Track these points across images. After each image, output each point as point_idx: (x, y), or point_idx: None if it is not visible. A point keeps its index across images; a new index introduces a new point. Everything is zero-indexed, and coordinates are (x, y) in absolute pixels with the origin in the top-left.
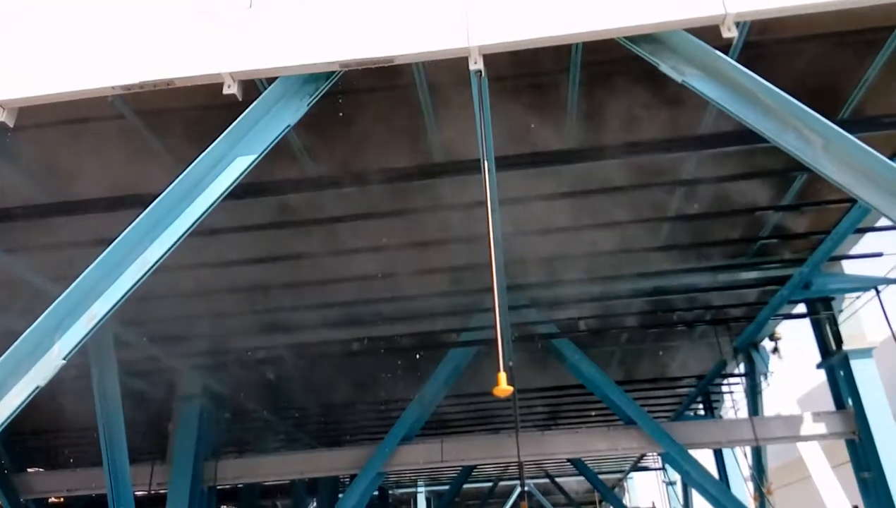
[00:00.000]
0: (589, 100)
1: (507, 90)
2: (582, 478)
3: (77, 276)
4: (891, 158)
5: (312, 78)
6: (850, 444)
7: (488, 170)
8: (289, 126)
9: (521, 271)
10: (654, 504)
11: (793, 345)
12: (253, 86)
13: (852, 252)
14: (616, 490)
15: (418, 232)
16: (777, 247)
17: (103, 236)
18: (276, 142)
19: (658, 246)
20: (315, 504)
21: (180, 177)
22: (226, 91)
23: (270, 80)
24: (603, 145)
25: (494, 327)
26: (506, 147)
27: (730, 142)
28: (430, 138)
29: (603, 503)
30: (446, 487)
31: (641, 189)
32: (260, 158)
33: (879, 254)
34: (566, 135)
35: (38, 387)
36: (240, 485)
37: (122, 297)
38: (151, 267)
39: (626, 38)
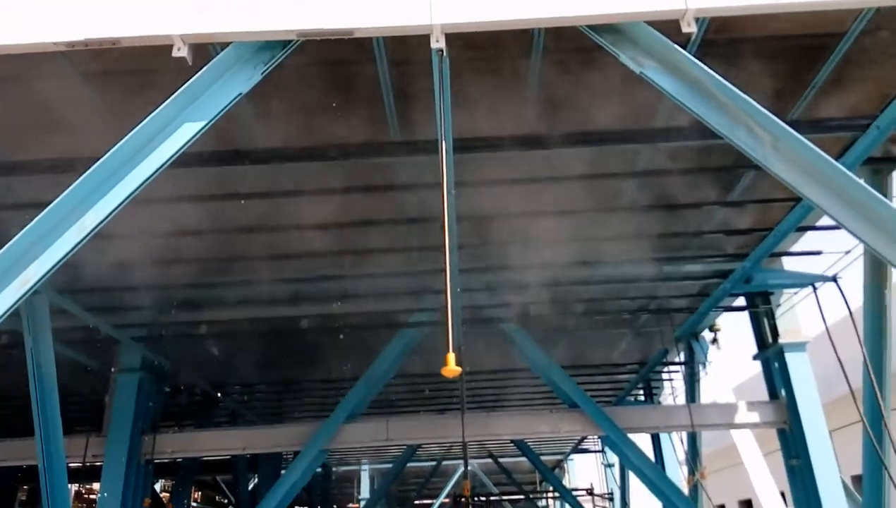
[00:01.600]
0: (548, 87)
1: (468, 73)
2: (524, 459)
3: (11, 238)
4: (836, 159)
5: (268, 46)
6: (781, 433)
7: (446, 151)
8: (241, 94)
9: (473, 255)
10: (592, 485)
11: (731, 337)
12: (204, 51)
13: (793, 249)
14: (556, 470)
15: (371, 210)
16: (721, 241)
17: (42, 199)
18: (226, 110)
19: (608, 235)
20: (256, 480)
21: (124, 140)
22: (175, 54)
23: (224, 46)
24: (560, 133)
25: (445, 308)
26: (464, 129)
27: (682, 137)
28: (388, 115)
29: (543, 483)
30: (390, 465)
31: (595, 179)
32: (209, 126)
33: (819, 253)
34: (524, 121)
35: None
36: (179, 459)
37: (59, 262)
38: (90, 231)
39: (587, 26)
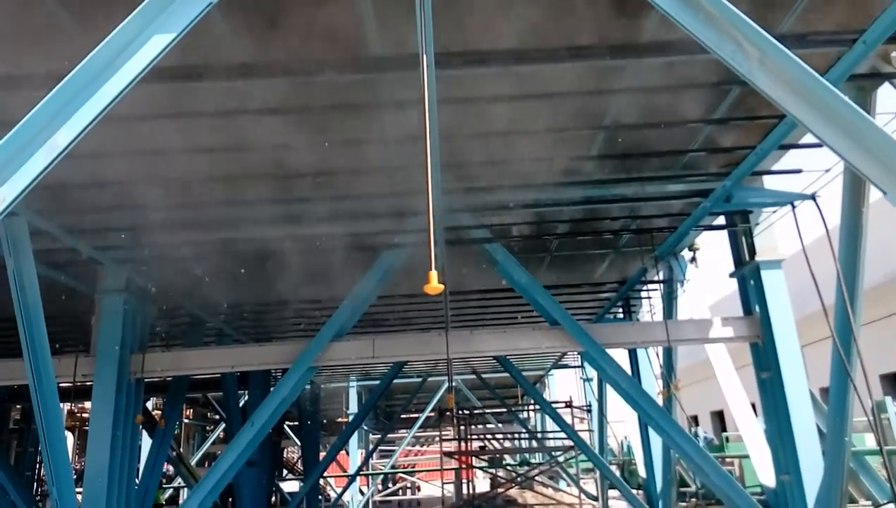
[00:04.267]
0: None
1: None
2: (506, 375)
3: None
4: (822, 75)
5: None
6: (754, 347)
7: (427, 66)
8: (211, 3)
9: (456, 174)
10: (571, 398)
11: (709, 256)
12: None
13: (774, 168)
14: (537, 385)
15: (353, 129)
16: (704, 160)
17: (8, 118)
18: (197, 21)
19: (591, 155)
20: (247, 397)
21: (91, 54)
22: None
23: None
24: (546, 48)
25: (427, 227)
26: (447, 43)
27: (669, 51)
28: (367, 29)
29: (525, 397)
30: (377, 382)
31: (580, 96)
32: (179, 39)
33: (799, 171)
34: (509, 34)
35: None
36: (169, 378)
37: (32, 182)
38: (62, 151)
39: None
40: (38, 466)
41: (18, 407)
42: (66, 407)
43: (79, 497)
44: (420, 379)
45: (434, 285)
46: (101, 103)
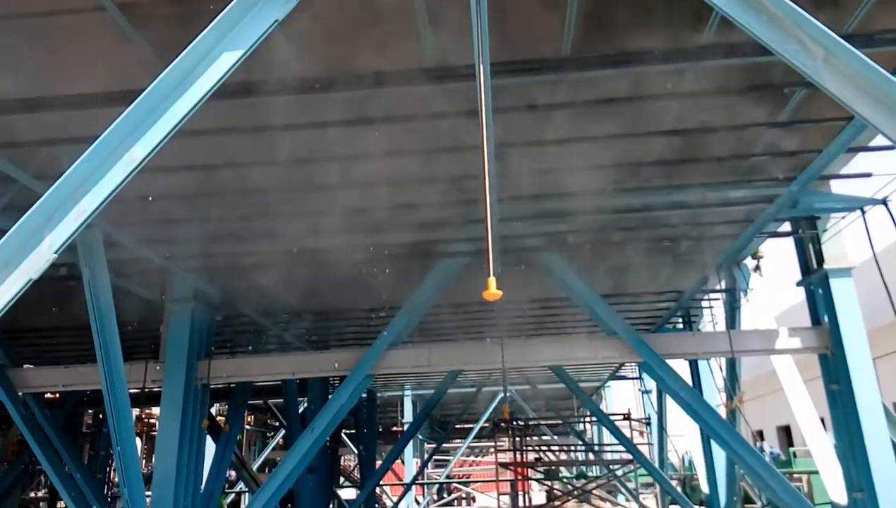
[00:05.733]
0: (589, 5)
1: None
2: (562, 386)
3: (63, 172)
4: (892, 74)
5: None
6: (823, 359)
7: (483, 76)
8: (277, 20)
9: (512, 184)
10: (629, 410)
11: (772, 265)
12: None
13: (842, 172)
14: (594, 397)
15: (410, 140)
16: (768, 164)
17: (88, 134)
18: (263, 38)
19: (650, 161)
20: (306, 403)
21: (164, 72)
22: None
23: None
24: (601, 54)
25: (486, 234)
26: (501, 53)
27: (730, 54)
28: (423, 41)
29: (581, 409)
30: (432, 391)
31: (637, 101)
32: (247, 55)
33: (869, 175)
34: (563, 42)
35: (30, 280)
36: (232, 384)
37: (111, 194)
38: (139, 164)
39: None
40: (108, 469)
41: (91, 411)
42: (134, 412)
43: (147, 499)
44: (474, 389)
45: (493, 291)
46: (174, 118)
